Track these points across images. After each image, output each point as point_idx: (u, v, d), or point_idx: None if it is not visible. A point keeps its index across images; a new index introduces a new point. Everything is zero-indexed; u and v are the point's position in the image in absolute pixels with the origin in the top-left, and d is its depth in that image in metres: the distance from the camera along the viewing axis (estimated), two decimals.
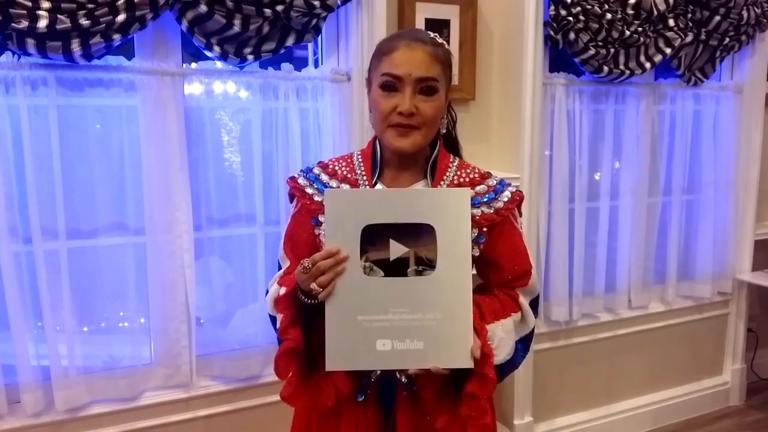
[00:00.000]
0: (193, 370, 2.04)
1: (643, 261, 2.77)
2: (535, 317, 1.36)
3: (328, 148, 2.10)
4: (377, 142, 1.33)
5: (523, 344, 1.33)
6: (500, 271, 1.34)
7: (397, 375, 1.27)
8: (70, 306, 1.86)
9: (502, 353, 1.25)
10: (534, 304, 1.37)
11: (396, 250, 1.16)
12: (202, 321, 2.08)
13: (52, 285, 1.82)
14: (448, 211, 1.16)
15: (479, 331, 1.20)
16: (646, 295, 2.83)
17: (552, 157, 2.48)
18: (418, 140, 1.24)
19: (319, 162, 1.39)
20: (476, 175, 1.34)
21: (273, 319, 1.33)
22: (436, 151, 1.33)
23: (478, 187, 1.32)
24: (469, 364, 1.16)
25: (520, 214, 1.39)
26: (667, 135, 2.77)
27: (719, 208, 2.94)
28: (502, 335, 1.26)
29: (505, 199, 1.32)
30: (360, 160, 1.34)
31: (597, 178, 2.63)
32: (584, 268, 2.62)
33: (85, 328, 1.94)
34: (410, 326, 1.15)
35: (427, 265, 1.16)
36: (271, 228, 2.08)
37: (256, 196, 2.05)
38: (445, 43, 1.28)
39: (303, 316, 1.25)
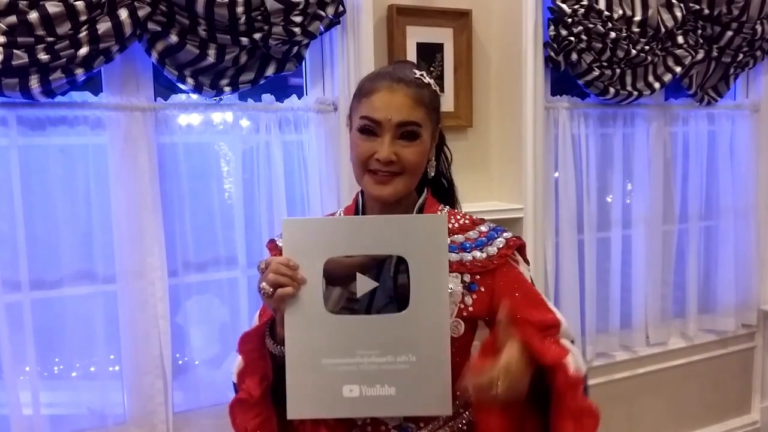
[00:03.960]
0: (170, 428, 1.89)
1: (661, 294, 2.66)
2: None
3: (315, 184, 1.99)
4: (361, 193, 1.25)
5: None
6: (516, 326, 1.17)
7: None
8: (35, 363, 1.73)
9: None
10: None
11: (363, 285, 1.09)
12: (181, 361, 1.95)
13: (15, 340, 1.70)
14: (421, 240, 1.06)
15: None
16: (665, 330, 2.71)
17: (557, 186, 2.38)
18: (400, 188, 1.16)
19: None
20: (467, 221, 1.24)
21: (235, 388, 1.21)
22: (422, 198, 1.23)
23: (469, 232, 1.22)
24: (446, 411, 1.08)
25: (527, 263, 1.26)
26: (681, 158, 2.70)
27: (740, 235, 2.81)
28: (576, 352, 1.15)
29: (500, 245, 1.20)
30: (342, 215, 1.30)
31: (609, 200, 2.53)
32: (597, 303, 2.51)
33: (52, 386, 1.81)
34: (380, 370, 1.06)
35: (398, 301, 1.08)
36: (254, 271, 1.94)
37: (236, 237, 1.94)
38: (432, 82, 1.20)
39: (271, 369, 1.14)
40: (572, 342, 1.22)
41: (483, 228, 1.22)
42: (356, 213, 1.25)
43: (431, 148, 1.21)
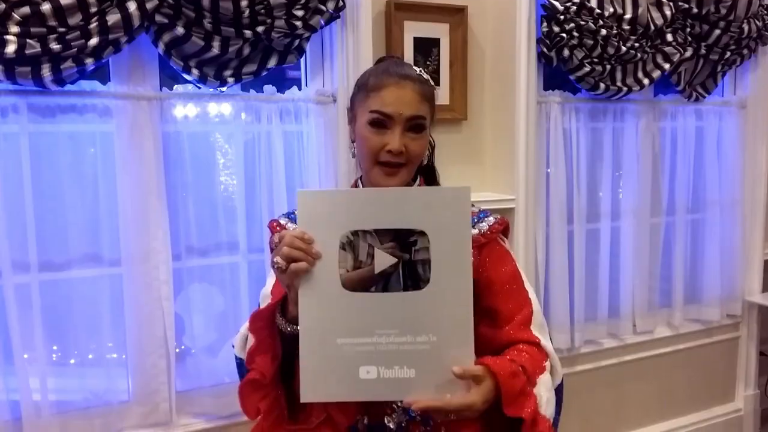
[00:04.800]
0: (173, 407, 1.95)
1: (648, 284, 2.68)
2: None
3: (313, 172, 2.04)
4: (360, 181, 1.30)
5: (558, 397, 1.20)
6: (497, 301, 1.23)
7: (386, 421, 1.17)
8: (42, 342, 1.78)
9: (549, 417, 1.12)
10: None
11: (382, 261, 1.04)
12: (179, 349, 1.99)
13: (23, 320, 1.75)
14: (445, 214, 1.00)
15: (527, 396, 1.06)
16: (651, 319, 2.74)
17: (548, 178, 2.41)
18: (405, 178, 1.22)
19: None
20: None
21: (239, 364, 1.24)
22: (416, 185, 1.30)
23: None
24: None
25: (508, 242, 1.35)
26: (669, 153, 2.71)
27: (726, 228, 2.85)
28: (548, 395, 1.13)
29: (491, 222, 1.29)
30: None
31: (600, 195, 2.56)
32: (586, 292, 2.53)
33: (59, 365, 1.85)
34: (399, 351, 0.99)
35: (419, 278, 1.04)
36: (254, 256, 2.01)
37: (238, 223, 1.98)
38: (430, 79, 1.28)
39: (281, 348, 1.13)
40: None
41: (474, 209, 1.30)
42: None
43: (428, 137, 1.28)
